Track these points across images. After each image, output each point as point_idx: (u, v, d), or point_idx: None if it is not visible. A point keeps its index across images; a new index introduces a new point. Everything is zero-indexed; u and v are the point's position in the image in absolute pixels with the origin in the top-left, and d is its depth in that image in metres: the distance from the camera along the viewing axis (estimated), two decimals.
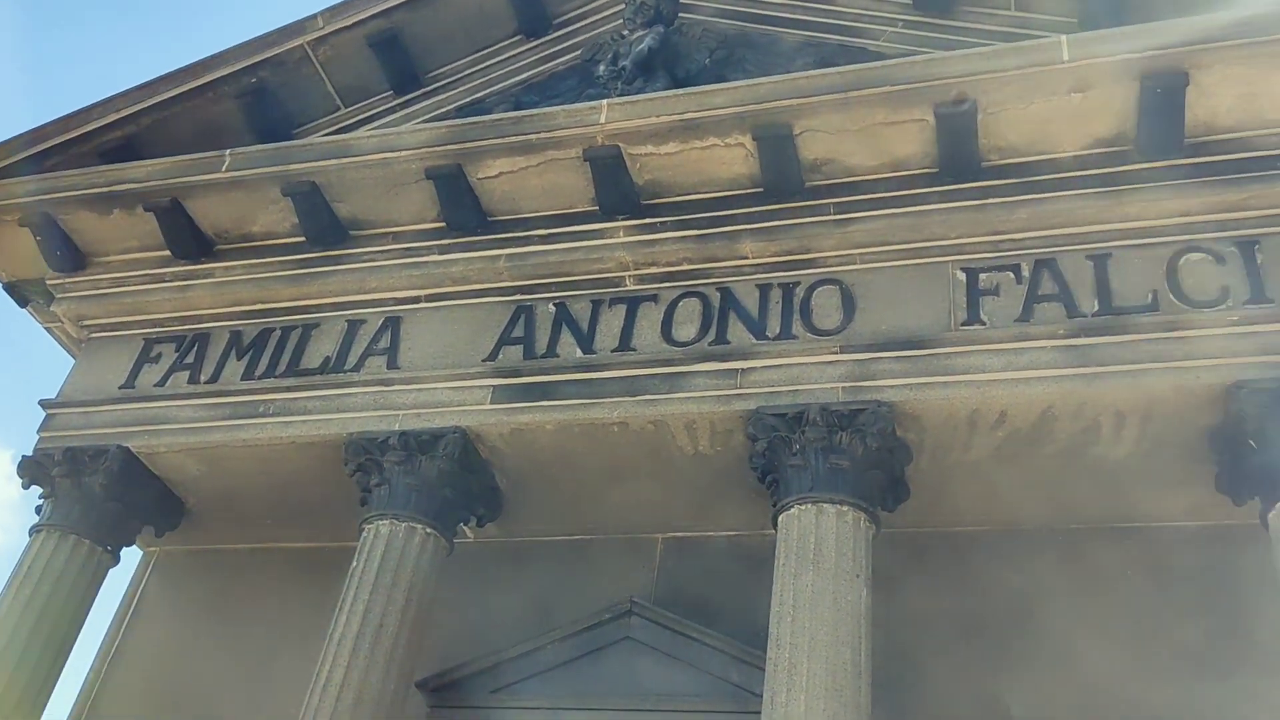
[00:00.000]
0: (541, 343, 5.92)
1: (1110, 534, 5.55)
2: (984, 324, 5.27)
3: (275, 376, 6.21)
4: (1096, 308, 5.15)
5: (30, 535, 6.02)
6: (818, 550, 4.82)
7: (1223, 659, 5.04)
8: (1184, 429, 5.04)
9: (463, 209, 6.21)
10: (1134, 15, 5.75)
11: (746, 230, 5.84)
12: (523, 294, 6.13)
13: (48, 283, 6.84)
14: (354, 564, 5.46)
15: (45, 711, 5.71)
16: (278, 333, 6.40)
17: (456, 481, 5.73)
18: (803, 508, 4.99)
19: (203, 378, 6.34)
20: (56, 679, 5.82)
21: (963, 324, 5.30)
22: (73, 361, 6.88)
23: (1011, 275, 5.39)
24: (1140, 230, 5.28)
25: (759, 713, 4.59)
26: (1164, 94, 5.15)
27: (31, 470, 6.22)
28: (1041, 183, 5.46)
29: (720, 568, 6.03)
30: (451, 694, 5.61)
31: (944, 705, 5.25)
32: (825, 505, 4.96)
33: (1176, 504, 5.41)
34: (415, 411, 5.84)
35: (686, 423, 5.50)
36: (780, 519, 5.08)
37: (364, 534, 5.56)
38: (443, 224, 6.31)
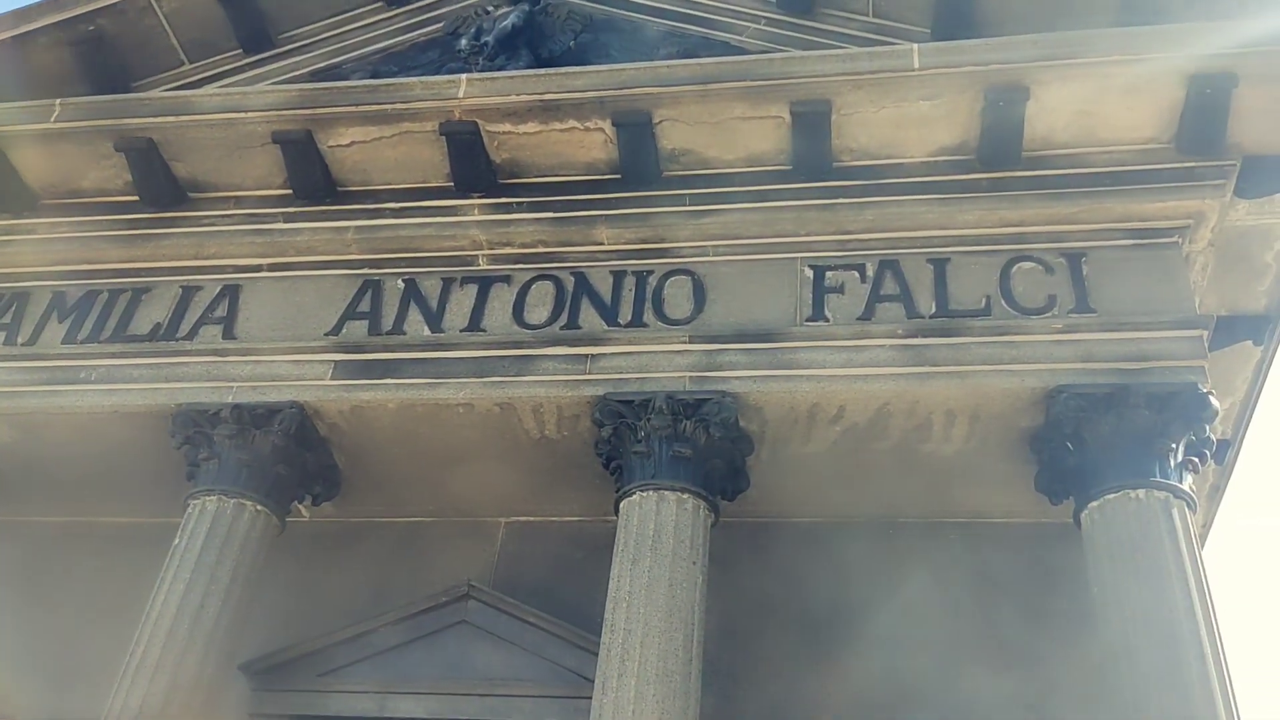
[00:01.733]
0: (388, 319, 5.77)
1: (936, 529, 5.75)
2: (828, 320, 5.38)
3: (100, 342, 5.88)
4: (934, 309, 5.32)
5: None
6: (656, 537, 4.85)
7: (1030, 651, 5.28)
8: (1008, 430, 5.25)
9: (311, 177, 6.00)
10: (984, 31, 5.97)
11: (603, 216, 5.82)
12: (371, 268, 5.96)
13: None
14: (176, 540, 5.22)
15: None
16: (105, 295, 6.06)
17: (292, 458, 5.55)
18: (644, 495, 5.01)
19: (20, 339, 5.96)
20: None
21: (808, 319, 5.41)
22: None
23: (856, 274, 5.52)
24: (978, 237, 5.48)
25: (591, 698, 4.59)
26: (1006, 107, 5.35)
27: None
28: (889, 185, 5.61)
29: (562, 553, 6.01)
30: (276, 677, 5.43)
31: (770, 692, 5.36)
32: (666, 493, 4.99)
33: (998, 501, 5.65)
34: (251, 384, 5.62)
35: (534, 406, 5.45)
36: (622, 505, 5.09)
37: (189, 509, 5.33)
38: (289, 191, 6.09)
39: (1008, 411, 5.17)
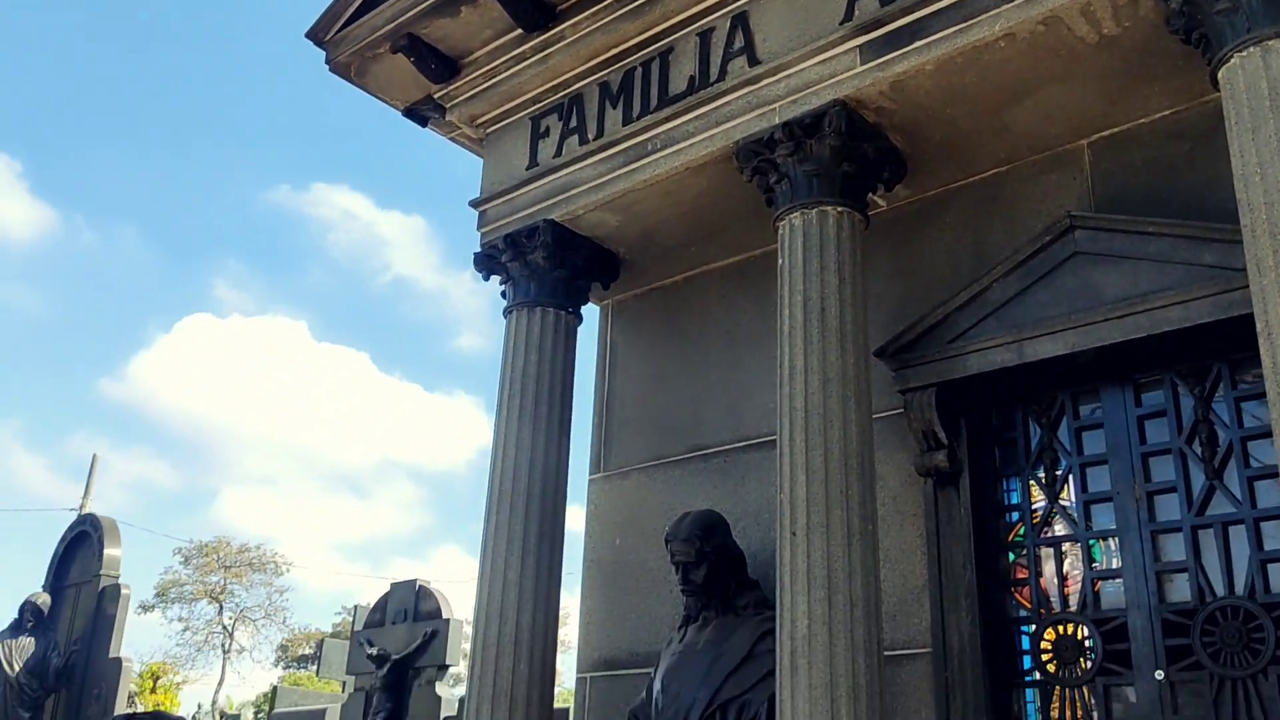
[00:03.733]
0: None
1: None
2: None
3: (651, 112, 6.34)
4: None
5: (505, 318, 6.83)
6: (1274, 95, 4.19)
7: None
8: None
9: None
10: None
11: None
12: None
13: (435, 97, 7.43)
14: (780, 261, 5.61)
15: (570, 458, 6.61)
16: (639, 71, 6.49)
17: (851, 154, 5.62)
18: (1246, 53, 4.31)
19: (590, 136, 6.64)
20: (569, 430, 6.67)
21: None
22: (481, 160, 7.48)
23: None
24: None
25: (1245, 288, 4.22)
26: None
27: (484, 263, 6.99)
28: None
29: (1159, 153, 5.48)
30: (910, 355, 5.71)
31: None
32: (1271, 42, 4.26)
33: None
34: (790, 99, 5.72)
35: (1081, 8, 4.90)
36: (1220, 74, 4.44)
37: (780, 231, 5.67)
38: None
39: None
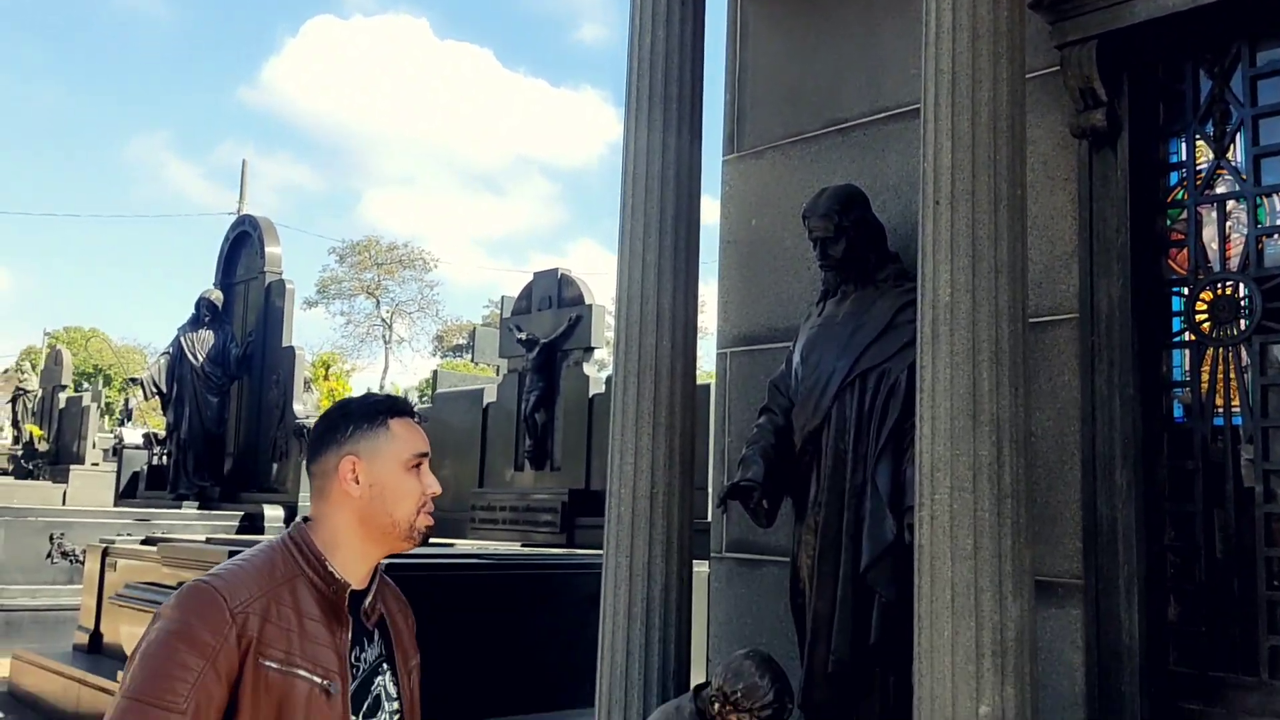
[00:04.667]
0: None
1: None
2: None
3: None
4: None
5: None
6: None
7: None
8: None
9: None
10: None
11: None
12: None
13: None
14: None
15: (702, 131, 6.45)
16: None
17: None
18: None
19: None
20: (700, 110, 6.48)
21: None
22: None
23: None
24: None
25: None
26: None
27: None
28: None
29: None
30: (1070, 4, 5.23)
31: None
32: None
33: None
34: None
35: None
36: None
37: None
38: None
39: None
